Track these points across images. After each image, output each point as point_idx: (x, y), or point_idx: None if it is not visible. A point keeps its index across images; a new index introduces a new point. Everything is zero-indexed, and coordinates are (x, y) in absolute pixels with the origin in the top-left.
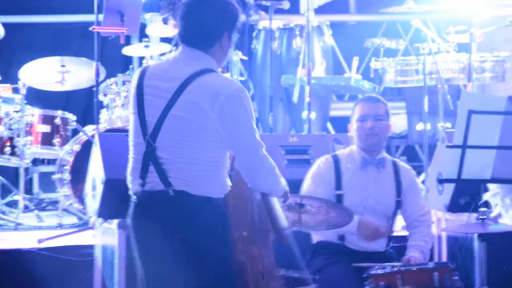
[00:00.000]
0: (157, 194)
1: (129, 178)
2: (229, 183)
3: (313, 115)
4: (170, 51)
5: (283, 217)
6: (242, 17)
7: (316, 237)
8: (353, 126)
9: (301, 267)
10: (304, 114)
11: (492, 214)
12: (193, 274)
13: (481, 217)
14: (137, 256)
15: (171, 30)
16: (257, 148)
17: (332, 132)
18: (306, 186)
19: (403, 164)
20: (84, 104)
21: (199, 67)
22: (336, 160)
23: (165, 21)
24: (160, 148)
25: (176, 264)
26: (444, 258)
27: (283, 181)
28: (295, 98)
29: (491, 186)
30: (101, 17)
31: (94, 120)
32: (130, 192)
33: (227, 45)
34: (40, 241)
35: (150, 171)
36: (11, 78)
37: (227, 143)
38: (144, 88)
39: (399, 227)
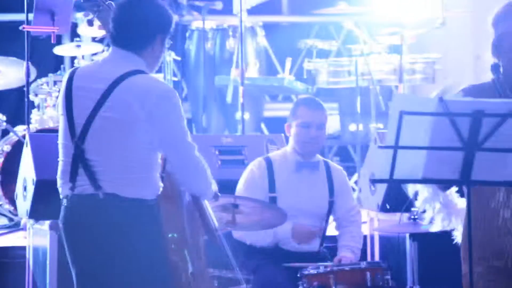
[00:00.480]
0: (87, 198)
1: (59, 182)
2: (161, 184)
3: (246, 116)
4: (102, 51)
5: (214, 218)
6: (175, 21)
7: (250, 241)
8: (292, 129)
9: (234, 267)
10: (238, 114)
11: (425, 222)
12: (126, 277)
13: (412, 217)
14: (69, 260)
15: (100, 31)
16: (189, 149)
17: (266, 132)
18: (239, 192)
19: (334, 164)
20: (14, 105)
21: (130, 68)
22: (269, 163)
23: (90, 23)
24: (89, 150)
25: (108, 268)
26: (377, 258)
27: (214, 183)
28: (228, 99)
29: (420, 192)
30: (31, 16)
31: (25, 120)
32: (61, 196)
33: (159, 49)
34: None
35: (80, 174)
36: None
37: (158, 144)
38: (73, 90)
39: (331, 227)
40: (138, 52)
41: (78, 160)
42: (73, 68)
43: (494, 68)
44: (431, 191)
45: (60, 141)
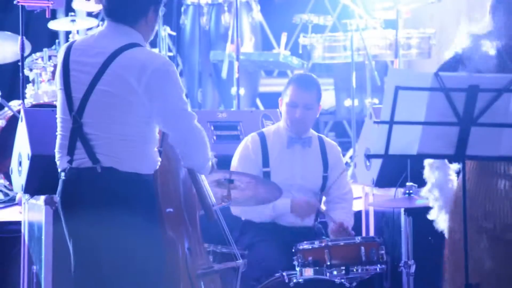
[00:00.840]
0: (85, 171)
1: (57, 155)
2: (159, 159)
3: (242, 91)
4: (97, 26)
5: (211, 193)
6: None
7: (246, 217)
8: (282, 106)
9: (230, 242)
10: (233, 90)
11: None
12: (122, 251)
13: (407, 191)
14: (65, 232)
15: (96, 5)
16: (189, 119)
17: (261, 108)
18: (233, 167)
19: (329, 140)
20: (9, 79)
21: (125, 42)
22: (263, 138)
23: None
24: (87, 124)
25: (104, 241)
26: (372, 233)
27: (212, 155)
28: (224, 74)
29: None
30: None
31: (20, 95)
32: (59, 169)
33: (153, 20)
34: None
35: (78, 148)
36: None
37: (157, 117)
38: (70, 64)
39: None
40: (133, 25)
41: (76, 134)
42: (69, 42)
43: None
44: (437, 177)
45: (58, 115)
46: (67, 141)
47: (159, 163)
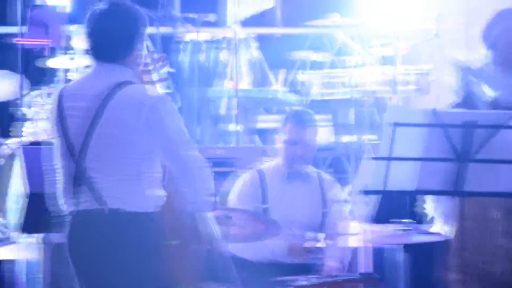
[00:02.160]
0: (93, 213)
1: (61, 201)
2: (163, 192)
3: (240, 128)
4: None
5: (216, 227)
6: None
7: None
8: (280, 143)
9: (231, 279)
10: (232, 126)
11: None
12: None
13: (406, 228)
14: (75, 274)
15: None
16: (190, 148)
17: (260, 144)
18: (231, 202)
19: (327, 176)
20: (6, 117)
21: (117, 81)
22: (262, 174)
23: None
24: (91, 168)
25: (114, 281)
26: (370, 270)
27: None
28: (222, 111)
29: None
30: (24, 29)
31: (18, 133)
32: (66, 212)
33: (140, 50)
34: None
35: (83, 191)
36: None
37: (160, 151)
38: (64, 111)
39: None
40: (122, 62)
41: (81, 178)
42: (60, 88)
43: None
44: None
45: (59, 161)
46: (71, 186)
47: (164, 198)
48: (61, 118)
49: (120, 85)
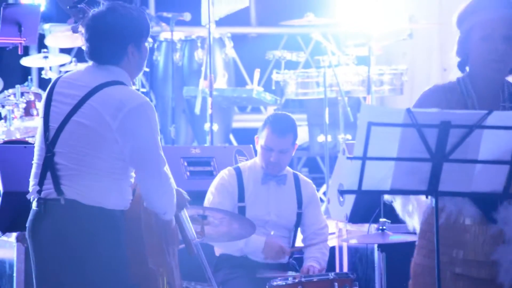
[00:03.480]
0: (50, 202)
1: (30, 183)
2: (131, 197)
3: (215, 127)
4: (70, 62)
5: (191, 228)
6: (148, 23)
7: (218, 250)
8: (258, 146)
9: (208, 279)
10: (207, 125)
11: (410, 228)
12: (81, 285)
13: (381, 227)
14: (32, 259)
15: (71, 40)
16: (158, 165)
17: (235, 143)
18: (210, 197)
19: (303, 177)
20: None
21: (108, 79)
22: (239, 172)
23: (74, 30)
24: (59, 154)
25: (64, 273)
26: (345, 269)
27: (185, 193)
28: (197, 110)
29: (396, 199)
30: None
31: None
32: (30, 198)
33: (136, 56)
34: None
35: (47, 178)
36: None
37: (127, 156)
38: (53, 95)
39: (299, 239)
40: (117, 64)
41: (48, 163)
42: (59, 75)
43: (460, 65)
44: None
45: (36, 143)
46: (39, 170)
47: (130, 201)
48: (47, 101)
49: (109, 83)
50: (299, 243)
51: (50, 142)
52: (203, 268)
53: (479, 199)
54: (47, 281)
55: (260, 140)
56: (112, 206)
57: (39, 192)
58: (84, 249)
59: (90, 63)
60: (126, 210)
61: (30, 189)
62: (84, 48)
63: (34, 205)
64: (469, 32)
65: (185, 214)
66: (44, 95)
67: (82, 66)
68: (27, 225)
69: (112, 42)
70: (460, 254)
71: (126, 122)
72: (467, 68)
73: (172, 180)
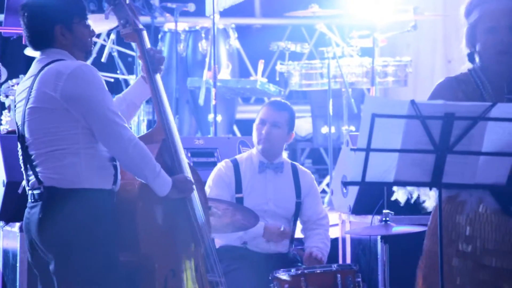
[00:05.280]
0: (35, 192)
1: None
2: (112, 171)
3: (219, 118)
4: None
5: (201, 212)
6: (81, 3)
7: (218, 242)
8: (254, 128)
9: (215, 270)
10: (210, 116)
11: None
12: (71, 269)
13: (384, 219)
14: (28, 252)
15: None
16: (112, 122)
17: (238, 134)
18: (208, 191)
19: (301, 167)
20: None
21: (48, 60)
22: (236, 164)
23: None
24: (29, 145)
25: (57, 261)
26: (348, 260)
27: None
28: (201, 101)
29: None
30: (1, 17)
31: None
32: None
33: (68, 37)
34: None
35: (28, 169)
36: None
37: (82, 120)
38: (16, 95)
39: (299, 229)
40: (53, 46)
41: (25, 157)
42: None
43: (470, 57)
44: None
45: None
46: (23, 165)
47: (113, 179)
48: (15, 102)
49: (49, 63)
50: (298, 234)
51: (20, 137)
52: (211, 259)
53: (498, 192)
54: (44, 271)
55: (256, 121)
56: (89, 185)
57: (27, 184)
58: (70, 233)
59: (38, 55)
60: (118, 192)
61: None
62: None
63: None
64: (475, 24)
65: (196, 198)
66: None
67: None
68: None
69: (37, 26)
70: (482, 244)
71: (67, 87)
72: (477, 59)
73: (139, 143)
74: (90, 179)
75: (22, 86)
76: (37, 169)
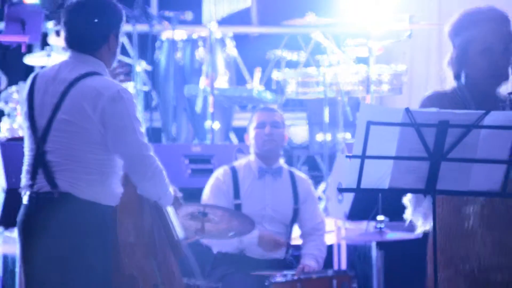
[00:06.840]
0: (43, 196)
1: (22, 181)
2: (121, 190)
3: (216, 125)
4: None
5: (178, 228)
6: (124, 13)
7: (216, 248)
8: (250, 135)
9: (197, 277)
10: (208, 124)
11: (418, 231)
12: (70, 279)
13: (378, 225)
14: (20, 257)
15: None
16: (141, 148)
17: (235, 142)
18: (205, 199)
19: (299, 173)
20: None
21: (85, 70)
22: (234, 171)
23: (57, 33)
24: (49, 152)
25: (54, 267)
26: (344, 266)
27: (177, 191)
28: (198, 108)
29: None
30: (1, 25)
31: None
32: (22, 194)
33: (114, 45)
34: None
35: (39, 174)
36: None
37: (111, 145)
38: (34, 92)
39: (297, 235)
40: (94, 53)
41: (39, 161)
42: (36, 72)
43: (457, 76)
44: (414, 200)
45: (25, 143)
46: (31, 168)
47: (119, 197)
48: (29, 100)
49: (86, 74)
50: (295, 240)
51: (40, 140)
52: (192, 267)
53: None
54: (38, 276)
55: (252, 125)
56: (104, 201)
57: (31, 186)
58: (73, 243)
59: (66, 56)
60: None
61: (22, 184)
62: (62, 36)
63: (25, 199)
64: (466, 46)
65: (171, 213)
66: (24, 94)
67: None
68: (17, 219)
69: (95, 29)
70: (478, 261)
71: (105, 110)
72: (463, 79)
73: (159, 163)
74: (105, 197)
75: (44, 82)
76: (54, 175)
